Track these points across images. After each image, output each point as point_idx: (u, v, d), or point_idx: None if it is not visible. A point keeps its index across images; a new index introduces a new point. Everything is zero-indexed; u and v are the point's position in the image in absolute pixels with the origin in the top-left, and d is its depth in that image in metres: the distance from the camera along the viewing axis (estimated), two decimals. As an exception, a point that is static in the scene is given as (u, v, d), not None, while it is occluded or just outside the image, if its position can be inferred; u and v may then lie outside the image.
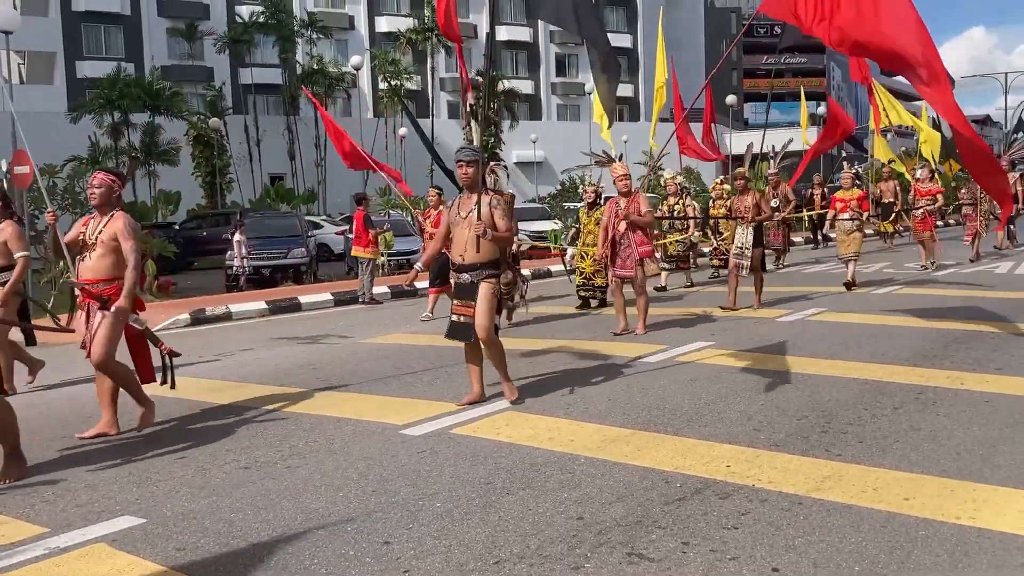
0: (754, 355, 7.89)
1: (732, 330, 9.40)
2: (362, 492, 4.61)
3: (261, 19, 43.99)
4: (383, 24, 52.92)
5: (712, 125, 19.50)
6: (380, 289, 14.52)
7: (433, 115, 46.98)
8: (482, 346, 6.37)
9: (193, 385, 7.78)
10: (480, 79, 42.01)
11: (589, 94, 49.08)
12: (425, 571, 3.60)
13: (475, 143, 11.35)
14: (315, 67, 43.59)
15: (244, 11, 45.78)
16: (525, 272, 13.46)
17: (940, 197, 15.94)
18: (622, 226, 9.45)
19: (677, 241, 14.11)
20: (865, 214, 13.30)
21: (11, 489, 4.98)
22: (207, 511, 4.43)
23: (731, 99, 38.99)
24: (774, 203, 16.01)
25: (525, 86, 54.56)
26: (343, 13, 52.22)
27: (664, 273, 13.41)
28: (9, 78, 21.64)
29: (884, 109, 19.30)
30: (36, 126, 29.71)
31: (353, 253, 14.58)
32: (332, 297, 14.20)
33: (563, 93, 59.24)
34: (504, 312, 7.37)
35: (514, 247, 9.39)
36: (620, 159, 10.50)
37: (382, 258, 17.05)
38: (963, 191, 17.66)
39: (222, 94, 42.78)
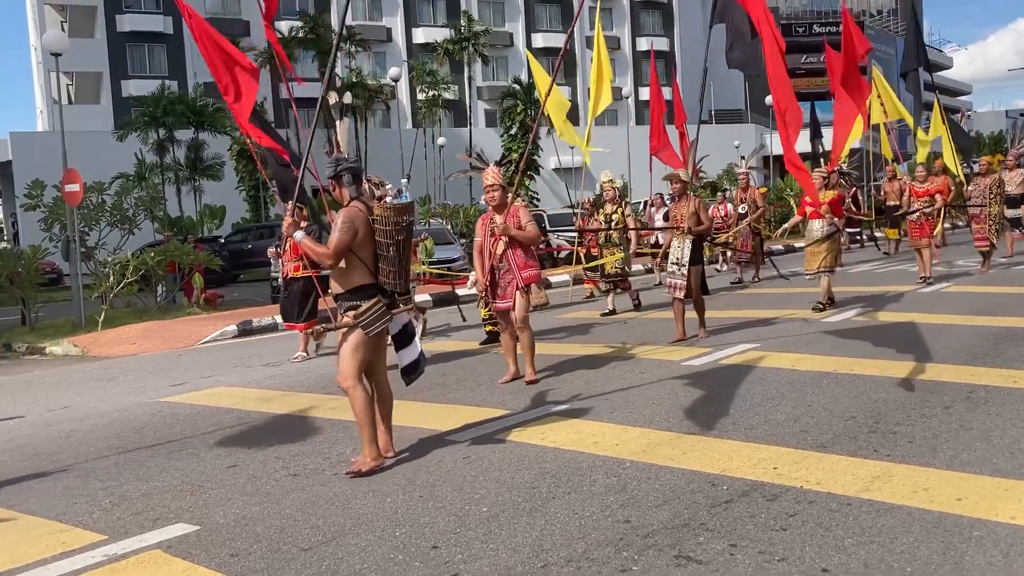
0: (800, 356, 7.81)
1: (777, 332, 9.31)
2: (409, 498, 4.66)
3: (300, 34, 44.56)
4: (420, 35, 53.33)
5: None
6: (422, 297, 14.62)
7: (471, 123, 47.21)
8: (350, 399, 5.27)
9: (242, 395, 7.93)
10: (517, 86, 42.24)
11: (626, 98, 49.06)
12: (473, 574, 3.63)
13: (342, 145, 10.23)
14: (354, 80, 44.03)
15: (283, 27, 46.39)
16: (424, 296, 12.74)
17: (939, 198, 13.27)
18: (499, 246, 7.57)
19: (614, 256, 12.10)
20: (840, 220, 11.21)
21: (71, 497, 5.12)
22: (259, 518, 4.51)
23: (770, 99, 38.69)
24: (741, 209, 14.82)
25: (563, 92, 54.60)
26: (380, 26, 52.73)
27: (610, 296, 12.11)
28: (59, 99, 22.22)
29: (882, 102, 18.37)
30: (85, 145, 30.48)
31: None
32: (429, 298, 14.32)
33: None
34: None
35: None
36: (497, 163, 8.14)
37: (422, 266, 17.15)
38: (969, 188, 15.13)
39: (264, 109, 43.32)
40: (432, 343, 10.51)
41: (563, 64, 60.27)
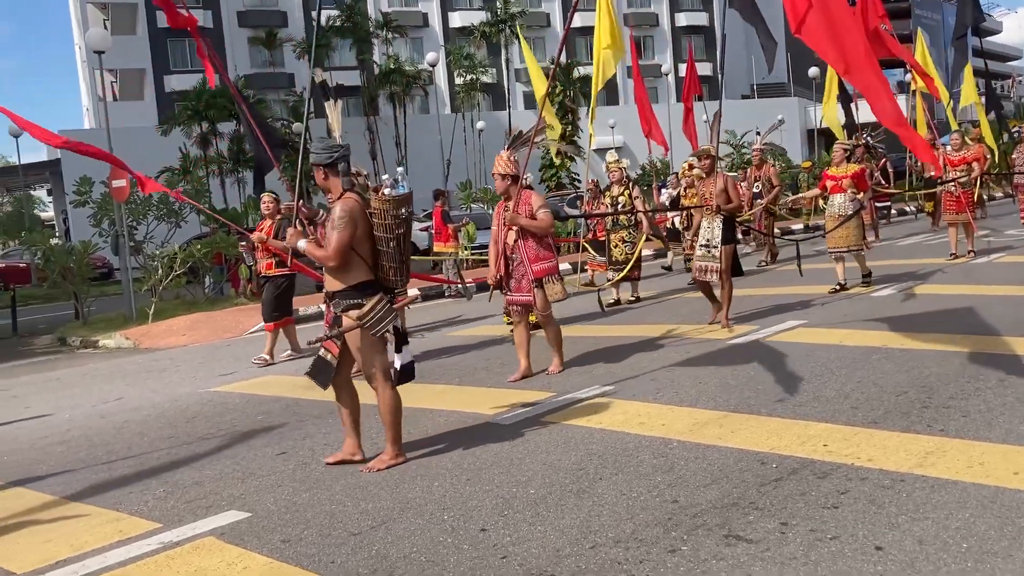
0: (849, 332, 7.69)
1: (825, 308, 9.18)
2: (457, 481, 4.68)
3: (338, 23, 44.77)
4: (456, 19, 53.27)
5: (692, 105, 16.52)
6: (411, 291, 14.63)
7: (509, 106, 47.03)
8: (377, 397, 5.16)
9: (290, 383, 8.02)
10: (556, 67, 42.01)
11: (666, 75, 48.55)
12: (522, 557, 3.64)
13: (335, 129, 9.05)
14: (392, 67, 44.16)
15: (321, 16, 46.73)
16: (412, 292, 12.12)
17: (976, 166, 12.46)
18: (511, 236, 7.13)
19: (624, 242, 11.41)
20: (864, 194, 10.70)
21: (126, 487, 5.23)
22: (309, 504, 4.56)
23: (814, 71, 37.98)
24: (756, 188, 14.13)
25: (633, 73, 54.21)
26: (416, 11, 52.75)
27: (618, 285, 11.41)
28: (104, 96, 22.59)
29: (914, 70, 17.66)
30: (130, 140, 30.93)
31: (435, 248, 14.74)
32: (419, 292, 14.40)
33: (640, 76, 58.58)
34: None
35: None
36: (506, 147, 7.64)
37: (465, 252, 17.20)
38: (1014, 155, 14.41)
39: (303, 98, 43.72)
40: (475, 328, 10.54)
41: (705, 40, 58.85)
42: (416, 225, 27.63)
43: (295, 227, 5.30)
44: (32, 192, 53.91)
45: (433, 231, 14.86)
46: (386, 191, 7.25)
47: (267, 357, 9.54)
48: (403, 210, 5.05)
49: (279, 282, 9.74)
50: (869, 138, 16.93)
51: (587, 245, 13.27)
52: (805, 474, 4.29)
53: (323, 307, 7.99)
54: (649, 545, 3.63)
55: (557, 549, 3.68)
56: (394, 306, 5.06)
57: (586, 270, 13.42)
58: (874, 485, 4.05)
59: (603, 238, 12.41)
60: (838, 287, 10.14)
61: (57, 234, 40.52)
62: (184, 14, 7.84)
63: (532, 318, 7.54)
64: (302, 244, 5.10)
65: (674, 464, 4.62)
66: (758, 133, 12.75)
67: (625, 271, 11.00)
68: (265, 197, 9.86)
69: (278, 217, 9.50)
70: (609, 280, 11.47)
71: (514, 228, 7.04)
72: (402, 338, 5.07)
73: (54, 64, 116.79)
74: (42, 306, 23.77)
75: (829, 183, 10.43)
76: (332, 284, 5.04)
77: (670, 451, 4.86)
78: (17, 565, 4.09)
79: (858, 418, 5.14)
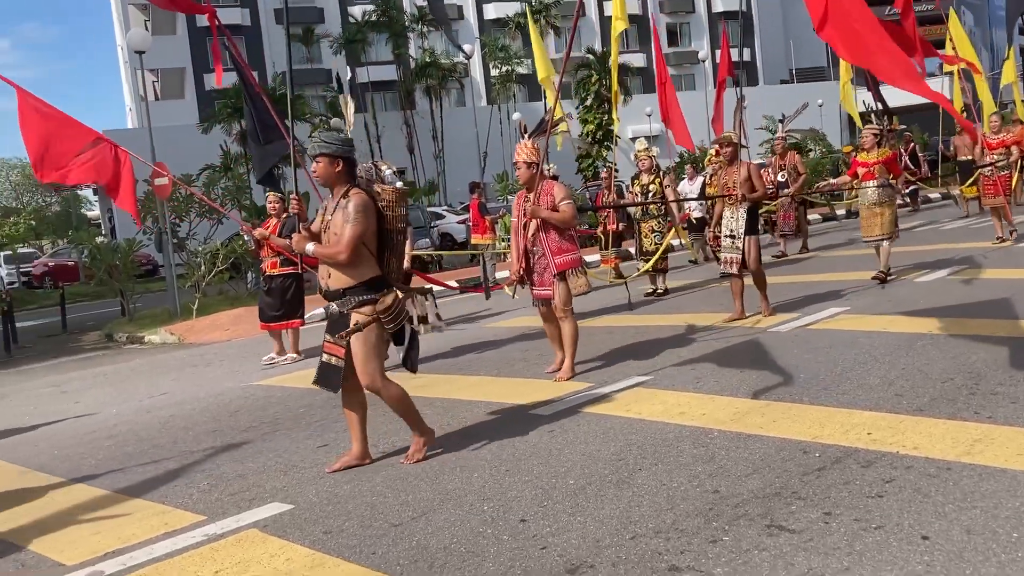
0: (893, 318, 7.56)
1: (868, 294, 9.04)
2: (496, 472, 4.68)
3: (373, 18, 44.97)
4: (491, 11, 53.22)
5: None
6: (502, 273, 14.65)
7: (545, 97, 46.89)
8: (384, 399, 5.02)
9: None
10: (591, 56, 41.77)
11: (703, 61, 48.09)
12: (562, 548, 3.63)
13: (349, 122, 8.51)
14: (427, 60, 44.26)
15: (357, 11, 46.92)
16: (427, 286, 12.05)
17: (1015, 149, 11.97)
18: (531, 228, 6.83)
19: (653, 232, 11.25)
20: (898, 180, 10.23)
21: (171, 480, 5.31)
22: (350, 495, 4.60)
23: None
24: (781, 177, 13.73)
25: (637, 59, 53.86)
26: (452, 4, 52.77)
27: (659, 275, 11.23)
28: (145, 96, 22.92)
29: (955, 47, 16.47)
30: (171, 139, 31.37)
31: (472, 241, 14.77)
32: (457, 284, 14.43)
33: (676, 63, 58.11)
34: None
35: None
36: (528, 135, 7.26)
37: (502, 244, 17.21)
38: None
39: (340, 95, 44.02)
40: (512, 320, 10.53)
41: (630, 33, 58.30)
42: (453, 218, 27.74)
43: (299, 230, 5.09)
44: (79, 191, 54.88)
45: (471, 223, 14.86)
46: (399, 184, 7.20)
47: (275, 356, 9.60)
48: (406, 204, 5.05)
49: (287, 282, 9.60)
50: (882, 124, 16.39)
51: (601, 236, 13.15)
52: (849, 463, 4.23)
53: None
54: (690, 535, 3.61)
55: (597, 540, 3.67)
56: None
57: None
58: (920, 474, 3.98)
59: (613, 229, 12.30)
60: (883, 275, 9.85)
61: (103, 232, 41.27)
62: (200, 3, 7.83)
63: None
64: (309, 247, 4.89)
65: (715, 454, 4.58)
66: (780, 121, 12.20)
67: (652, 261, 10.91)
68: (271, 196, 9.69)
69: (284, 216, 9.43)
70: (639, 271, 11.38)
71: (535, 220, 6.77)
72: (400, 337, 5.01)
73: (98, 66, 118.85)
74: (90, 303, 24.27)
75: (860, 170, 10.05)
76: (339, 281, 4.83)
77: (711, 441, 4.81)
78: (67, 557, 4.17)
79: (903, 406, 5.06)
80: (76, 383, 10.31)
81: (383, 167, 8.26)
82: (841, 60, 17.16)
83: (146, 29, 42.37)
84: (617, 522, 3.83)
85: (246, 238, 9.80)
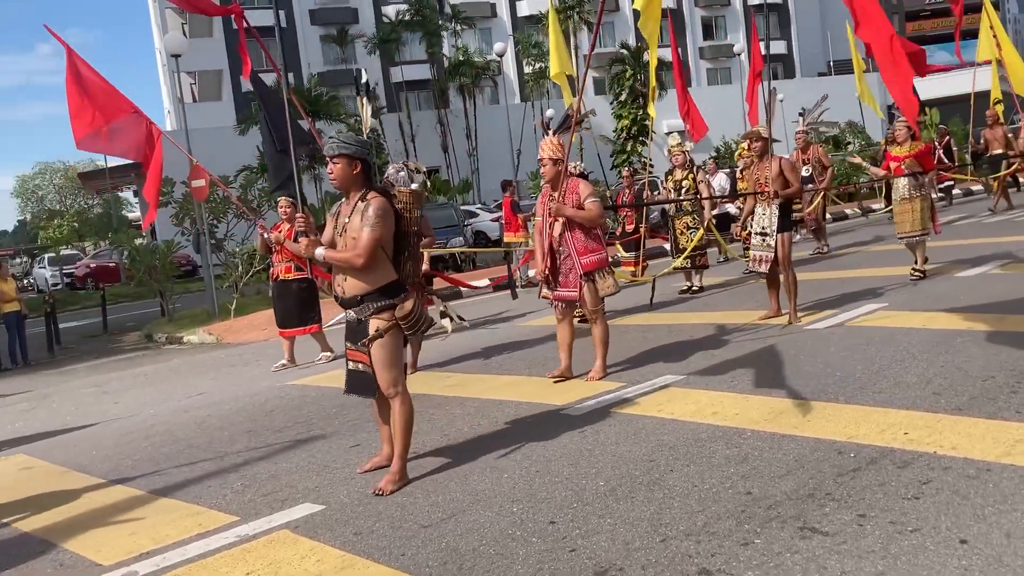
0: (932, 315, 7.42)
1: (906, 290, 8.88)
2: (526, 473, 4.67)
3: (407, 17, 45.12)
4: (524, 8, 53.16)
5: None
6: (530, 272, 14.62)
7: (580, 92, 46.76)
8: (394, 408, 4.81)
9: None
10: (625, 51, 41.57)
11: (739, 55, 47.57)
12: (591, 550, 3.61)
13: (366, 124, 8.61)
14: (461, 58, 44.32)
15: (391, 11, 47.11)
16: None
17: None
18: (557, 228, 6.67)
19: (689, 229, 11.10)
20: (929, 174, 9.82)
21: (206, 480, 5.37)
22: (380, 496, 4.61)
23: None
24: (804, 171, 13.10)
25: (671, 53, 53.47)
26: (485, 2, 52.82)
27: (695, 272, 11.07)
28: (182, 98, 23.23)
29: (995, 35, 15.88)
30: (209, 140, 31.76)
31: (506, 239, 14.76)
32: (490, 282, 14.44)
33: (711, 57, 57.69)
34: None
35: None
36: (552, 132, 7.02)
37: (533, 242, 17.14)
38: None
39: (375, 94, 44.23)
40: (545, 319, 10.50)
41: (663, 27, 57.84)
42: (487, 215, 27.76)
43: (308, 235, 4.99)
44: (120, 194, 55.75)
45: (504, 222, 14.86)
46: (414, 186, 7.10)
47: (286, 362, 9.58)
48: (421, 206, 4.96)
49: (301, 286, 9.50)
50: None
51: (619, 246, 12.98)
52: (885, 464, 4.16)
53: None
54: (721, 538, 3.56)
55: (627, 542, 3.64)
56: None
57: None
58: (958, 475, 3.90)
59: (631, 229, 12.15)
60: (919, 274, 9.56)
61: (143, 234, 41.89)
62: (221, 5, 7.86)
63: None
64: (320, 252, 4.73)
65: (748, 455, 4.53)
66: (801, 114, 11.81)
67: (682, 258, 10.81)
68: (282, 200, 9.49)
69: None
70: (673, 268, 11.29)
71: (560, 219, 6.61)
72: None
73: (138, 69, 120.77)
74: (131, 304, 24.66)
75: (892, 164, 9.78)
76: (355, 287, 4.68)
77: (744, 441, 4.76)
78: (103, 557, 4.23)
79: (941, 405, 4.96)
80: (116, 383, 10.48)
81: (411, 167, 8.25)
82: (853, 55, 16.73)
83: (183, 32, 42.87)
84: (647, 524, 3.79)
85: (260, 239, 9.73)
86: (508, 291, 12.83)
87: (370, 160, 4.77)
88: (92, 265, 33.92)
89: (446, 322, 7.92)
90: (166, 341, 14.86)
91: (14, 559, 4.41)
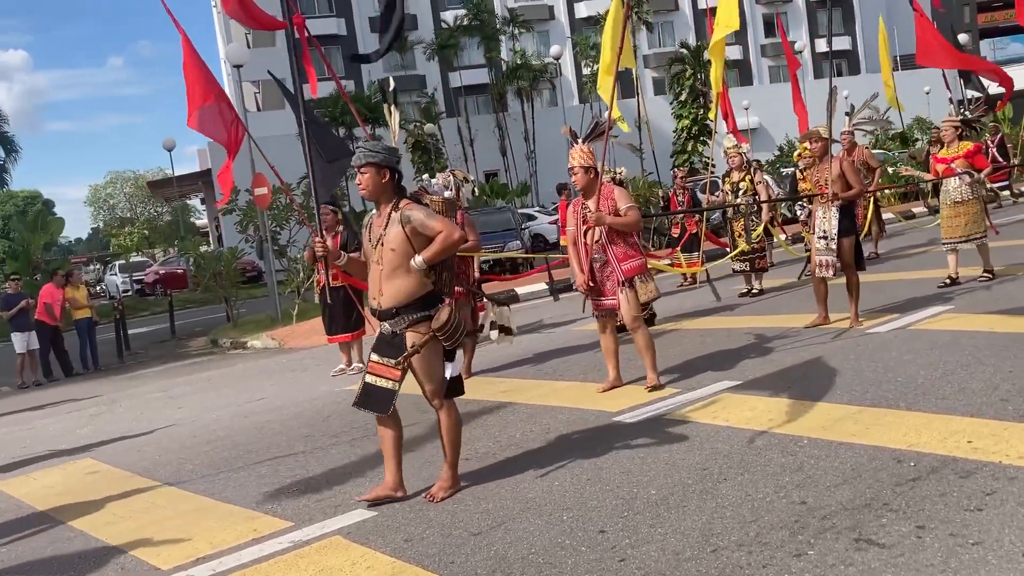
0: (1001, 318, 7.18)
1: (974, 292, 8.61)
2: (577, 481, 4.64)
3: (465, 22, 45.40)
4: (582, 9, 53.04)
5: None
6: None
7: (639, 93, 46.50)
8: (441, 419, 4.80)
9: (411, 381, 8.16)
10: (684, 51, 41.20)
11: (799, 52, 46.72)
12: (640, 560, 3.57)
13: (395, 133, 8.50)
14: (518, 62, 44.44)
15: (449, 16, 47.45)
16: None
17: None
18: (592, 236, 6.50)
19: (747, 231, 10.86)
20: (981, 173, 9.30)
21: (263, 486, 5.46)
22: (432, 503, 4.63)
23: (964, 38, 35.72)
24: None
25: (732, 51, 52.76)
26: (543, 5, 52.86)
27: (756, 275, 10.87)
28: (244, 107, 23.70)
29: None
30: (272, 149, 32.31)
31: (561, 243, 14.73)
32: (547, 286, 14.41)
33: (774, 55, 56.77)
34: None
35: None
36: (581, 140, 6.74)
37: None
38: None
39: (435, 99, 44.62)
40: (592, 324, 10.44)
41: (843, 12, 55.65)
42: (545, 218, 27.75)
43: (332, 243, 4.94)
44: (188, 201, 57.16)
45: (560, 224, 14.84)
46: (447, 193, 7.05)
47: (348, 365, 9.63)
48: (454, 214, 4.84)
49: (346, 294, 9.56)
50: (968, 113, 15.27)
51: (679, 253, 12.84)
52: (946, 473, 4.03)
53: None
54: (773, 549, 3.50)
55: (677, 552, 3.59)
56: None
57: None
58: (1024, 486, 3.77)
59: (694, 232, 12.01)
60: (948, 281, 9.13)
61: (210, 240, 42.87)
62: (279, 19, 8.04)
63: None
64: (417, 260, 4.51)
65: (803, 463, 4.44)
66: (848, 114, 11.37)
67: (735, 252, 10.67)
68: (324, 208, 9.57)
69: (339, 228, 9.43)
70: (733, 271, 11.17)
71: (599, 227, 6.43)
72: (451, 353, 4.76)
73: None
74: (199, 309, 25.25)
75: (940, 167, 9.34)
76: (392, 299, 4.55)
77: (800, 449, 4.66)
78: (162, 561, 4.33)
79: (1008, 412, 4.79)
80: (182, 388, 10.73)
81: (459, 175, 8.28)
82: (881, 56, 16.10)
83: (247, 42, 43.72)
84: (699, 534, 3.74)
85: (309, 249, 9.78)
86: (565, 293, 12.81)
87: (398, 168, 4.67)
88: (161, 272, 34.85)
89: (494, 334, 7.94)
90: (231, 346, 15.17)
91: (78, 562, 4.54)
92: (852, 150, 12.90)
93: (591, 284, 6.57)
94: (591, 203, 6.43)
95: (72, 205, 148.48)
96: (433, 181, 7.14)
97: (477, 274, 8.61)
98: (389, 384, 4.68)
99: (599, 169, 6.53)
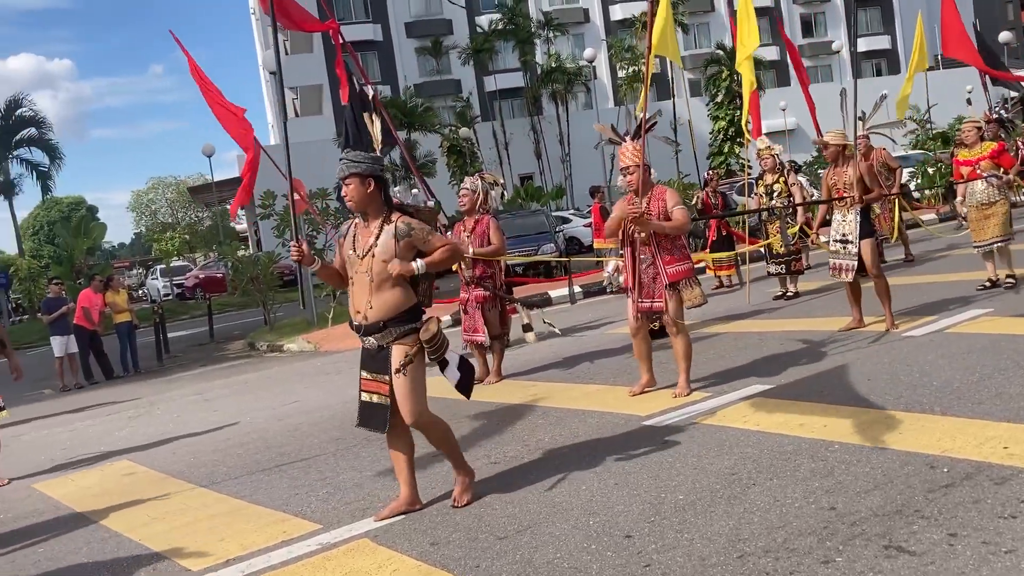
0: (1041, 320, 7.04)
1: (1015, 294, 8.44)
2: (604, 485, 4.62)
3: (500, 26, 45.50)
4: (617, 12, 52.90)
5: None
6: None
7: (674, 95, 46.23)
8: (428, 437, 4.75)
9: (445, 384, 8.18)
10: (720, 52, 40.91)
11: (837, 52, 46.21)
12: (666, 565, 3.55)
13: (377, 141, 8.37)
14: (553, 65, 44.44)
15: (484, 21, 47.60)
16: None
17: None
18: (640, 235, 6.32)
19: (781, 233, 10.65)
20: (1010, 173, 9.03)
21: (294, 488, 5.50)
22: (459, 507, 4.64)
23: (1006, 36, 35.14)
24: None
25: (769, 52, 52.27)
26: (577, 8, 52.81)
27: (791, 278, 10.78)
28: (284, 113, 23.96)
29: None
30: (310, 154, 32.64)
31: (595, 245, 14.71)
32: (581, 289, 14.39)
33: (811, 55, 56.14)
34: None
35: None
36: (631, 136, 6.52)
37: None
38: None
39: (470, 104, 44.77)
40: (624, 327, 10.40)
41: (761, 26, 56.18)
42: (580, 221, 27.72)
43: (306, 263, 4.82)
44: (227, 206, 57.86)
45: (593, 227, 14.82)
46: (430, 203, 7.04)
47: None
48: (436, 224, 4.68)
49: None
50: (1003, 111, 14.72)
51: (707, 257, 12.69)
52: (980, 479, 3.95)
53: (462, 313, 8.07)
54: (801, 555, 3.45)
55: (703, 558, 3.56)
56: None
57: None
58: (1060, 493, 3.68)
59: (725, 234, 11.97)
60: (988, 284, 8.91)
61: (249, 245, 43.37)
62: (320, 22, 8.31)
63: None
64: (419, 263, 4.49)
65: (834, 468, 4.38)
66: (861, 118, 11.02)
67: (762, 243, 10.60)
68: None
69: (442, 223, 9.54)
70: (768, 273, 11.08)
71: (641, 227, 6.25)
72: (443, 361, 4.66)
73: (243, 85, 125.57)
74: (237, 313, 25.54)
75: (964, 169, 9.08)
76: (381, 312, 4.42)
77: (830, 454, 4.60)
78: (193, 563, 4.39)
79: (1046, 417, 4.70)
80: (218, 391, 10.86)
81: (488, 179, 8.30)
82: (913, 55, 15.71)
83: (285, 49, 44.24)
84: (725, 540, 3.71)
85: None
86: (598, 297, 12.81)
87: (384, 177, 4.57)
88: (200, 276, 35.30)
89: (529, 336, 7.92)
90: (268, 349, 15.32)
91: (111, 564, 4.61)
92: (869, 154, 12.65)
93: (636, 283, 6.39)
94: (644, 202, 6.23)
95: (115, 210, 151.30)
96: (414, 191, 7.18)
97: (504, 277, 8.63)
98: (383, 400, 4.55)
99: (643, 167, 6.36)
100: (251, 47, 61.95)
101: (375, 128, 5.11)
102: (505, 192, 8.49)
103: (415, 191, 7.33)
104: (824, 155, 7.98)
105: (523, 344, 8.69)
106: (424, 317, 4.54)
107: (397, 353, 4.44)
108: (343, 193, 4.52)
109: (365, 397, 4.63)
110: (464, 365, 4.76)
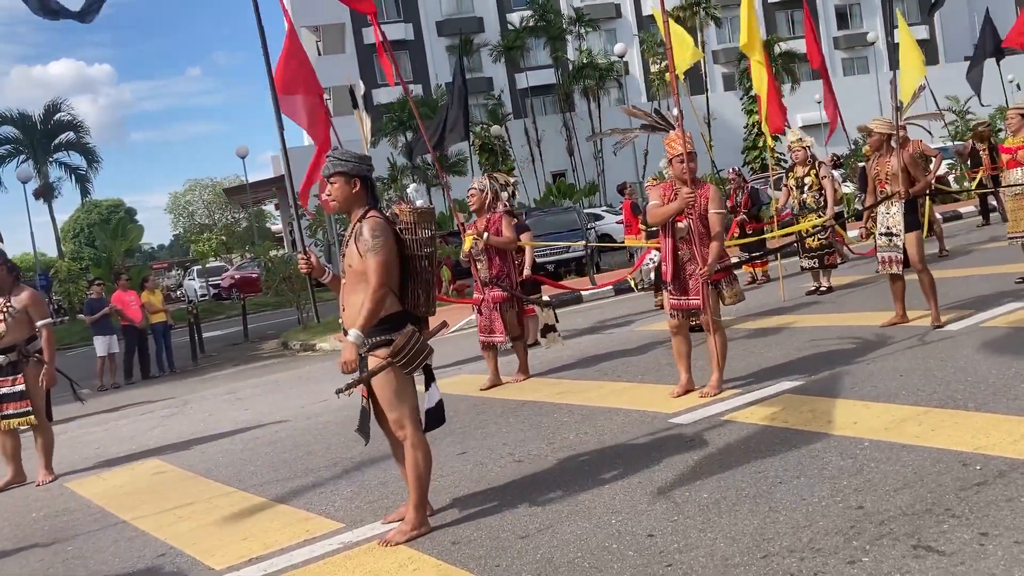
0: (1081, 313, 6.86)
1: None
2: (628, 483, 4.56)
3: (531, 23, 45.45)
4: (649, 7, 52.56)
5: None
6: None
7: (708, 89, 45.90)
8: (406, 452, 4.37)
9: (473, 382, 8.17)
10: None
11: (872, 43, 45.52)
12: (688, 565, 3.49)
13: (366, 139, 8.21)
14: (584, 61, 44.30)
15: (515, 18, 47.56)
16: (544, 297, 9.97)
17: None
18: (681, 225, 6.11)
19: (815, 228, 10.40)
20: None
21: (319, 487, 5.51)
22: (481, 504, 4.61)
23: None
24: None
25: (803, 45, 51.72)
26: (609, 3, 52.56)
27: (823, 272, 10.64)
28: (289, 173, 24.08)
29: None
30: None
31: (627, 242, 14.61)
32: (612, 287, 14.31)
33: (846, 47, 55.44)
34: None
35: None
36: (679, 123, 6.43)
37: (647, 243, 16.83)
38: None
39: (501, 101, 44.76)
40: (658, 324, 10.31)
41: (795, 18, 55.36)
42: (612, 218, 27.58)
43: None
44: (263, 207, 58.41)
45: (624, 224, 14.73)
46: (419, 202, 6.96)
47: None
48: (431, 225, 4.43)
49: None
50: None
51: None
52: (1014, 477, 3.84)
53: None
54: (827, 555, 3.38)
55: (726, 558, 3.50)
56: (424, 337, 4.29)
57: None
58: (1097, 491, 3.57)
59: (751, 231, 11.88)
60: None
61: (285, 245, 43.74)
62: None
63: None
64: (353, 334, 4.19)
65: (863, 466, 4.28)
66: (898, 109, 10.69)
67: (791, 230, 10.43)
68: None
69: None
70: (802, 268, 10.93)
71: (689, 219, 6.04)
72: (430, 375, 4.44)
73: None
74: (272, 312, 25.76)
75: (1005, 157, 8.83)
76: (353, 318, 4.20)
77: (860, 452, 4.50)
78: (216, 561, 4.40)
79: (1085, 413, 4.56)
80: (250, 390, 10.94)
81: (500, 180, 8.26)
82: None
83: (317, 50, 44.52)
84: (749, 539, 3.64)
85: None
86: (627, 293, 12.70)
87: (370, 176, 4.37)
88: (236, 276, 35.67)
89: (549, 339, 7.85)
90: (301, 348, 15.42)
91: (136, 561, 4.65)
92: (906, 144, 12.46)
93: (673, 278, 6.21)
94: (685, 192, 5.96)
95: (154, 212, 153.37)
96: (409, 189, 7.20)
97: (524, 274, 8.60)
98: (364, 403, 4.38)
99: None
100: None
101: (364, 127, 5.00)
102: (516, 192, 8.46)
103: (409, 189, 7.35)
104: (867, 143, 7.77)
105: (551, 346, 8.61)
106: (407, 328, 4.21)
107: (371, 363, 4.21)
108: (328, 192, 4.33)
109: (364, 403, 4.41)
110: (440, 405, 4.51)
